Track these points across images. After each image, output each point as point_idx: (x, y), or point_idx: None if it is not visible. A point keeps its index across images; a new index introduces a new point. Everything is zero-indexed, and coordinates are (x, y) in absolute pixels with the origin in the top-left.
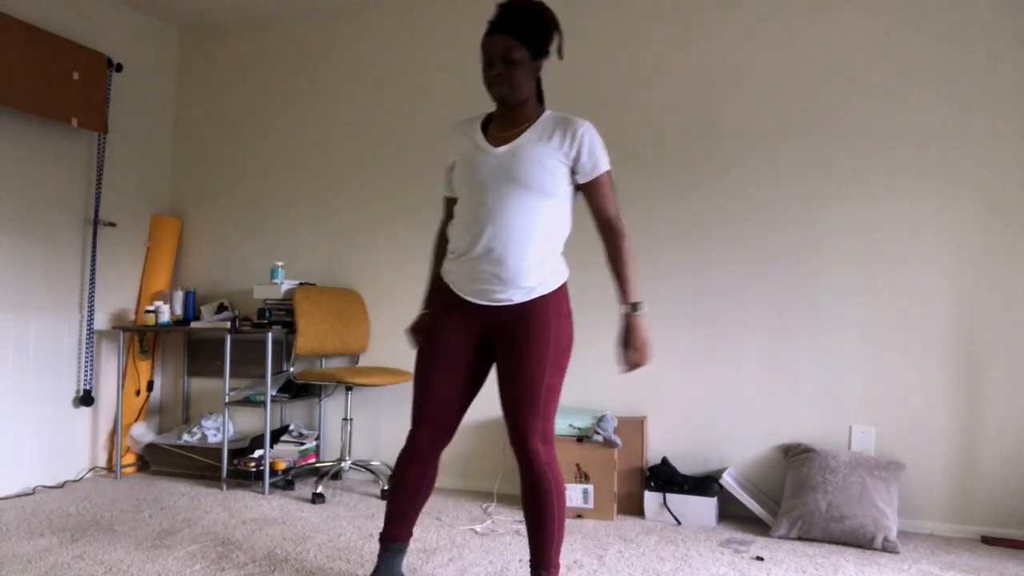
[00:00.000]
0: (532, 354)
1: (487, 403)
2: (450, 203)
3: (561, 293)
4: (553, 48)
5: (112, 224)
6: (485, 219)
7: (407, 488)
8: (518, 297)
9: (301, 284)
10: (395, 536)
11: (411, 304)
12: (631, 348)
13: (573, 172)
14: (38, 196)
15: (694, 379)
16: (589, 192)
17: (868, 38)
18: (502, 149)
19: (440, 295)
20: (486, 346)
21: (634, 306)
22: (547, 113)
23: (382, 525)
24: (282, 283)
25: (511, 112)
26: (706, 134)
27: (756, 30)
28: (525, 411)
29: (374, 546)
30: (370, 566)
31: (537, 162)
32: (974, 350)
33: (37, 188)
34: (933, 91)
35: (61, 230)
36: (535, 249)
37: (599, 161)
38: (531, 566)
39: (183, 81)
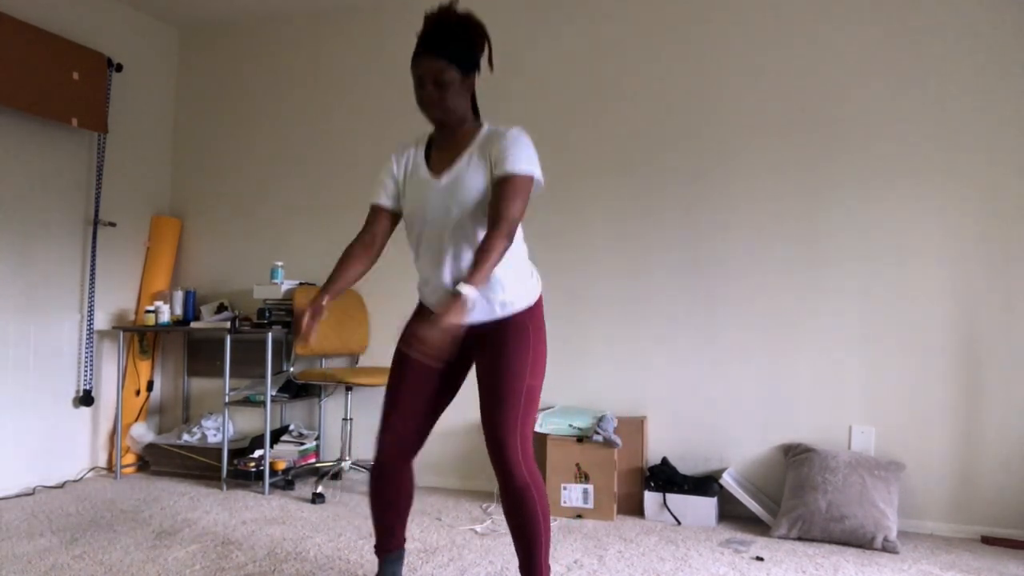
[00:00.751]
0: (511, 362)
1: None
2: (375, 212)
3: (537, 308)
4: (484, 60)
5: (112, 224)
6: (441, 254)
7: (386, 502)
8: (493, 315)
9: (301, 284)
10: (390, 547)
11: (411, 304)
12: (428, 323)
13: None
14: (38, 196)
15: (694, 379)
16: (495, 190)
17: (869, 38)
18: (444, 181)
19: (420, 305)
20: (462, 354)
21: (460, 285)
22: (484, 130)
23: (374, 538)
24: (282, 283)
25: (449, 133)
26: (705, 134)
27: (759, 29)
28: (505, 418)
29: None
30: (370, 567)
31: (477, 188)
32: (974, 350)
33: (37, 188)
34: (934, 92)
35: (61, 230)
36: (496, 270)
37: (514, 160)
38: (521, 573)
39: (183, 81)
